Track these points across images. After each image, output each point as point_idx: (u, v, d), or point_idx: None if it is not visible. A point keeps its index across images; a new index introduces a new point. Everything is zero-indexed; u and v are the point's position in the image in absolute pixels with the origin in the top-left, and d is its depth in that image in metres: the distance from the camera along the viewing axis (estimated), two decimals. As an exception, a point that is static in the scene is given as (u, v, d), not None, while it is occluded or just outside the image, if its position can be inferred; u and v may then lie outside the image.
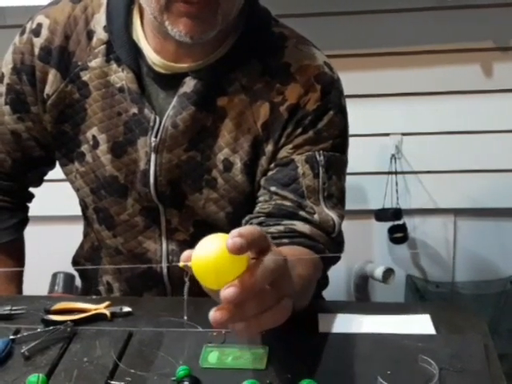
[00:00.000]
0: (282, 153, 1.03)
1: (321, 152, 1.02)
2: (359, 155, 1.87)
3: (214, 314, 0.63)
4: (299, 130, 1.02)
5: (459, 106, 2.01)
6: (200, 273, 0.62)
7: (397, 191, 2.06)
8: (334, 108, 1.04)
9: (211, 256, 0.61)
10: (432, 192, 2.11)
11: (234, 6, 0.95)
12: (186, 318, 0.74)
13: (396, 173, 2.06)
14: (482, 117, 2.02)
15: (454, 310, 0.99)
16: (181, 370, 0.82)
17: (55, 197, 1.71)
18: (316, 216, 1.00)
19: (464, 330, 0.93)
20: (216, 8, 0.92)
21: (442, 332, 0.92)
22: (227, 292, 0.62)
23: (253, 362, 0.86)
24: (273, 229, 0.98)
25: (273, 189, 1.02)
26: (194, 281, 0.65)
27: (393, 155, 2.05)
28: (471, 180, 2.08)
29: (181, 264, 0.64)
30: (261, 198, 1.04)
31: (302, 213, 1.00)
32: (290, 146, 1.02)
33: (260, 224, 1.00)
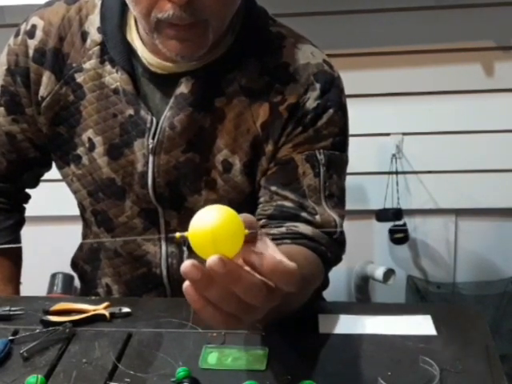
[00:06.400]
0: (282, 152, 1.02)
1: (321, 151, 1.02)
2: (360, 155, 1.87)
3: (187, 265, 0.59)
4: (299, 129, 1.02)
5: (460, 106, 2.01)
6: (196, 243, 0.61)
7: (397, 191, 2.06)
8: (334, 106, 1.03)
9: (208, 225, 0.61)
10: (433, 192, 2.10)
11: (226, 18, 0.94)
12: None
13: (397, 173, 2.05)
14: (484, 116, 2.01)
15: (455, 311, 0.99)
16: (180, 371, 0.82)
17: (54, 197, 1.71)
18: (318, 217, 1.00)
19: (465, 330, 0.92)
20: (206, 28, 0.91)
21: (443, 333, 0.92)
22: (211, 260, 0.59)
23: (252, 363, 0.86)
24: (275, 230, 0.98)
25: (273, 188, 1.02)
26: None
27: (393, 155, 2.04)
28: (472, 180, 2.08)
29: (177, 235, 0.63)
30: (261, 199, 1.03)
31: (303, 214, 1.00)
32: (290, 144, 1.02)
33: (262, 227, 0.99)
